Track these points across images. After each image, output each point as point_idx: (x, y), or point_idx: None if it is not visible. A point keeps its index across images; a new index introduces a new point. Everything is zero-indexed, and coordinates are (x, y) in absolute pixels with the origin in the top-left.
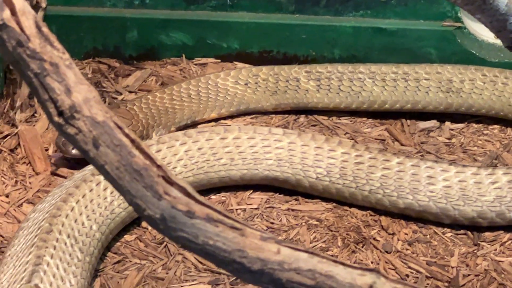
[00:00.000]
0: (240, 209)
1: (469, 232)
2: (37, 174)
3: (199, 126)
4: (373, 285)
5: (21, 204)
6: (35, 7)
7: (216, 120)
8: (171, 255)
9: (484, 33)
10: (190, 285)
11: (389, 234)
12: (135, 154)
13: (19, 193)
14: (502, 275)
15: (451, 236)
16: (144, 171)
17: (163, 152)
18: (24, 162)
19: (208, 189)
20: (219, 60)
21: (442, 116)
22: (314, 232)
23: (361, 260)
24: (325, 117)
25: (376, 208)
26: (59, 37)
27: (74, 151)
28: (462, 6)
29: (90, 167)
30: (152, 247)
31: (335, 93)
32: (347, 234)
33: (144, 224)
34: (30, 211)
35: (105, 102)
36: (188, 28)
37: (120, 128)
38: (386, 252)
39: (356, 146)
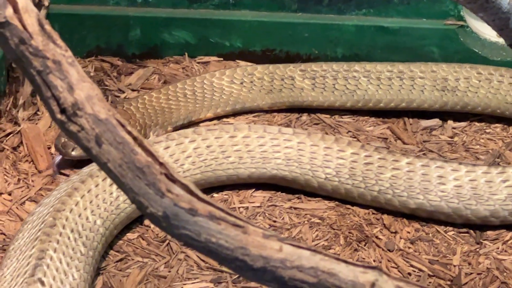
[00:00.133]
0: (243, 207)
1: (471, 231)
2: (39, 172)
3: (201, 124)
4: (376, 283)
5: (24, 202)
6: (38, 5)
7: (212, 120)
8: (174, 253)
9: (486, 31)
10: (192, 283)
11: (392, 232)
12: (138, 152)
13: (22, 191)
14: (505, 274)
15: (453, 234)
16: (147, 169)
17: (172, 149)
18: (27, 160)
19: (211, 187)
20: (221, 59)
21: (444, 114)
22: (317, 230)
23: (363, 258)
24: (328, 116)
25: (385, 208)
26: (62, 35)
27: (74, 153)
28: (465, 5)
29: None
30: (154, 245)
31: (330, 91)
32: (349, 232)
33: (146, 222)
34: (33, 208)
35: (107, 100)
36: (190, 26)
37: (122, 125)
38: (389, 250)
39: (365, 147)
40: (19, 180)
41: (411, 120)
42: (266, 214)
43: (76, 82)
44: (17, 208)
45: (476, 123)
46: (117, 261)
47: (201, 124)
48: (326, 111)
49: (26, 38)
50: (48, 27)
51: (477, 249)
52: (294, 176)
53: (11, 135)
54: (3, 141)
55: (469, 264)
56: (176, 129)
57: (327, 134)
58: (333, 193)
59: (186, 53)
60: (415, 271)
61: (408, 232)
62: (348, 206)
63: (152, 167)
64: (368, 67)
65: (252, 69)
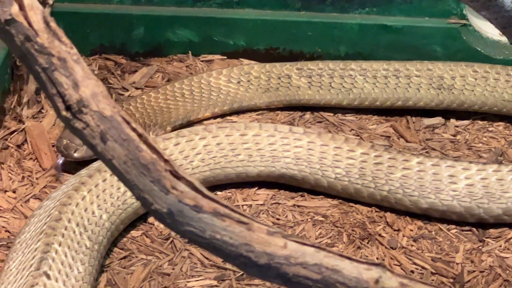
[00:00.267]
0: (246, 205)
1: (474, 229)
2: (43, 170)
3: (205, 122)
4: (379, 280)
5: (28, 200)
6: (42, 3)
7: (209, 119)
8: (177, 251)
9: (489, 30)
10: (196, 280)
11: (394, 230)
12: (143, 149)
13: (26, 189)
14: (507, 272)
15: (456, 232)
16: (152, 166)
17: (182, 146)
18: (31, 158)
19: (215, 185)
20: (225, 57)
21: (447, 113)
22: (320, 228)
23: (366, 256)
24: (331, 114)
25: (395, 208)
26: (66, 34)
27: (76, 154)
28: (468, 3)
29: None
30: (158, 242)
31: (326, 90)
32: (352, 230)
33: (150, 219)
34: (38, 205)
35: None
36: (194, 25)
37: (127, 122)
38: (391, 248)
39: (375, 147)
40: (23, 177)
41: (414, 118)
42: (270, 212)
43: (81, 79)
44: (21, 205)
45: (479, 122)
46: (121, 259)
47: (205, 122)
48: (329, 109)
49: (32, 35)
50: (53, 24)
51: (480, 247)
52: (303, 175)
53: (16, 133)
54: (8, 139)
55: (472, 262)
56: (175, 129)
57: (330, 132)
58: (342, 193)
59: (190, 52)
60: (418, 269)
61: (411, 230)
62: (351, 204)
63: (157, 164)
64: (364, 66)
65: (249, 68)
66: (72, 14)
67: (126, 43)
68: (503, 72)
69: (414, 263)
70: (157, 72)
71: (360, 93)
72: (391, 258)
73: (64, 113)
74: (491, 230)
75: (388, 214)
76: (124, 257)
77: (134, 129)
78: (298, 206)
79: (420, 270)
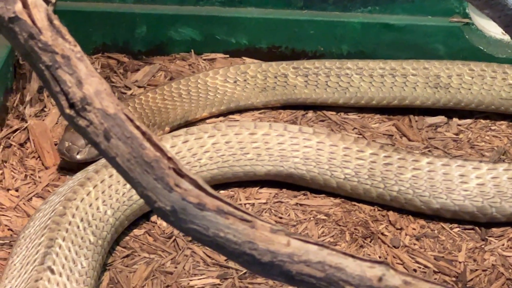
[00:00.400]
0: (249, 203)
1: (476, 227)
2: (46, 168)
3: (208, 121)
4: (383, 277)
5: (31, 198)
6: (45, 2)
7: (207, 118)
8: (180, 249)
9: (492, 29)
10: (198, 279)
11: (397, 229)
12: (146, 146)
13: (29, 187)
14: (510, 270)
15: (458, 231)
16: (155, 163)
17: (190, 143)
18: (34, 157)
19: (221, 183)
20: (227, 56)
21: (450, 112)
22: (322, 226)
23: (369, 255)
24: (333, 113)
25: (405, 209)
26: (69, 32)
27: (79, 156)
28: (470, 2)
29: None
30: (161, 241)
31: (323, 88)
32: (355, 229)
33: (153, 218)
34: (40, 204)
35: None
36: (197, 23)
37: (131, 120)
38: (394, 247)
39: (385, 147)
40: (26, 176)
41: (416, 117)
42: (272, 211)
43: (85, 77)
44: (24, 204)
45: (481, 120)
46: (123, 257)
47: (208, 121)
48: (332, 108)
49: (35, 33)
50: (57, 22)
51: (482, 246)
52: (312, 175)
53: (18, 131)
54: (10, 137)
55: (475, 260)
56: (173, 129)
57: (332, 131)
58: (352, 194)
59: (192, 50)
60: (420, 268)
61: (414, 229)
62: (354, 202)
63: (160, 161)
64: (360, 65)
65: (245, 68)
66: (74, 12)
67: (129, 41)
68: (499, 70)
69: (417, 262)
70: (160, 71)
71: (356, 92)
72: (394, 257)
73: (67, 111)
74: (494, 229)
75: (390, 213)
76: (127, 256)
77: (137, 127)
78: (301, 204)
79: (423, 268)
